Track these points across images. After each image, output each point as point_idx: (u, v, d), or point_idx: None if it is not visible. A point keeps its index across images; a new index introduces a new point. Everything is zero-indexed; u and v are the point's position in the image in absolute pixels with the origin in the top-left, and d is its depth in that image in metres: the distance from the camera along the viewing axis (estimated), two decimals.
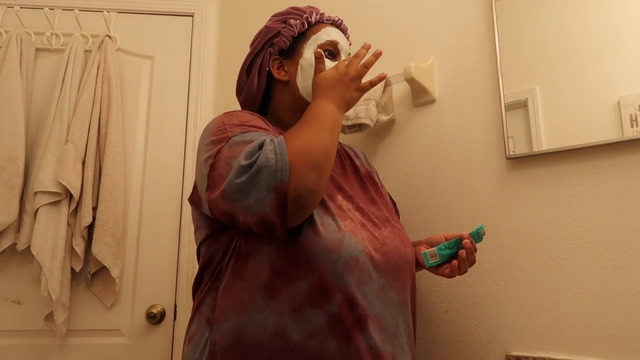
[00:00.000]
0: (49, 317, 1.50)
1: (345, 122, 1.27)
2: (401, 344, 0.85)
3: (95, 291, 1.59)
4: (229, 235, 0.85)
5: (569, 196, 0.98)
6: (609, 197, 0.93)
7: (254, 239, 0.81)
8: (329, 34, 0.99)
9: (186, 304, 1.62)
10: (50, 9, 1.73)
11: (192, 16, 1.86)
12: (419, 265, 0.98)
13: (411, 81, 1.20)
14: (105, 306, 1.59)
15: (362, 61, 0.90)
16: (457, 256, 0.91)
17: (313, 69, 0.95)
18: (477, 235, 0.91)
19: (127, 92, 1.75)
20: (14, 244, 1.55)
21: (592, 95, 0.96)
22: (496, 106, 1.11)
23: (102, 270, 1.57)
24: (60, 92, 1.62)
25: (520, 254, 1.03)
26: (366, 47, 0.93)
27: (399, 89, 1.29)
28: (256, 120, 0.90)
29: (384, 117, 1.26)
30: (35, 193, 1.52)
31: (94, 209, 1.57)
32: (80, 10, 1.72)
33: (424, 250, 0.94)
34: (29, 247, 1.50)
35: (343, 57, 1.01)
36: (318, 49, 0.95)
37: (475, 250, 0.93)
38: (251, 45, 1.04)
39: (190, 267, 1.65)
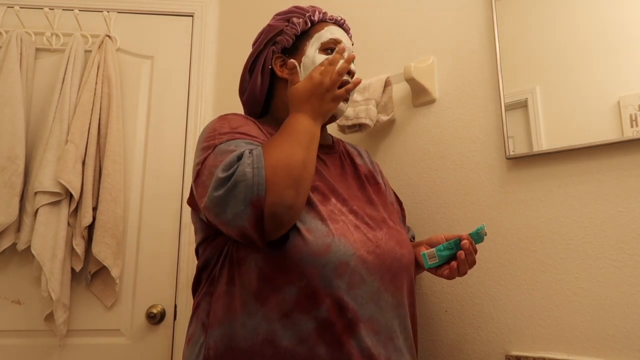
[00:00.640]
0: (49, 317, 1.50)
1: (345, 122, 1.27)
2: (398, 346, 0.84)
3: (96, 291, 1.59)
4: (222, 240, 0.86)
5: (569, 196, 0.98)
6: (609, 197, 0.93)
7: (243, 245, 0.82)
8: (332, 32, 0.99)
9: (186, 304, 1.62)
10: (50, 9, 1.73)
11: (192, 16, 1.86)
12: (420, 266, 0.96)
13: (411, 81, 1.20)
14: (105, 306, 1.59)
15: (337, 67, 0.88)
16: (456, 257, 0.90)
17: (315, 67, 0.94)
18: (478, 236, 0.90)
19: (127, 92, 1.75)
20: (14, 244, 1.55)
21: (592, 95, 0.96)
22: (496, 106, 1.11)
23: (102, 270, 1.57)
24: (60, 92, 1.63)
25: (520, 254, 1.03)
26: (340, 52, 0.90)
27: (399, 89, 1.29)
28: (248, 125, 0.90)
29: (384, 117, 1.26)
30: (36, 193, 1.52)
31: (94, 209, 1.57)
32: (80, 10, 1.72)
33: (424, 251, 0.93)
34: (29, 247, 1.50)
35: (345, 55, 1.00)
36: (292, 60, 0.90)
37: (476, 252, 0.92)
38: (253, 44, 1.04)
39: (190, 267, 1.65)
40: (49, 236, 1.50)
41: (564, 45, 1.01)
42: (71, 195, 1.54)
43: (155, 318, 1.60)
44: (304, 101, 0.86)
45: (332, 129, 1.33)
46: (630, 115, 0.90)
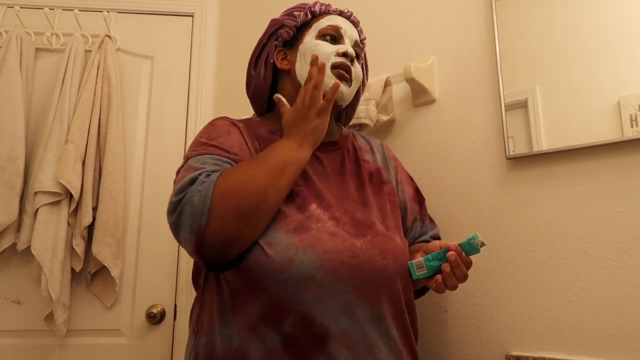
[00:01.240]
0: (49, 317, 1.50)
1: None
2: (380, 359, 0.80)
3: (95, 291, 1.59)
4: None
5: (569, 196, 0.98)
6: (609, 197, 0.93)
7: None
8: (331, 20, 0.98)
9: (186, 304, 1.62)
10: (50, 9, 1.73)
11: (192, 16, 1.86)
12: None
13: (411, 81, 1.20)
14: (105, 306, 1.59)
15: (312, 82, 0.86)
16: None
17: (318, 49, 0.94)
18: (470, 246, 0.81)
19: (127, 92, 1.75)
20: (14, 244, 1.55)
21: (592, 95, 0.96)
22: (496, 106, 1.11)
23: (102, 270, 1.57)
24: (60, 92, 1.63)
25: (520, 254, 1.03)
26: (313, 63, 0.88)
27: (399, 89, 1.29)
28: (229, 134, 0.89)
29: (384, 117, 1.26)
30: (35, 193, 1.52)
31: (94, 209, 1.57)
32: (80, 10, 1.72)
33: (412, 260, 0.87)
34: (29, 247, 1.50)
35: (347, 42, 0.98)
36: (276, 95, 0.94)
37: (469, 263, 0.85)
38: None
39: (190, 267, 1.64)
40: (49, 236, 1.50)
41: (564, 45, 1.01)
42: (71, 195, 1.54)
43: (155, 318, 1.60)
44: (292, 126, 0.87)
45: None
46: (630, 115, 0.90)
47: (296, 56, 0.97)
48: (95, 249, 1.52)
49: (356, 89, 1.00)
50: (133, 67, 1.78)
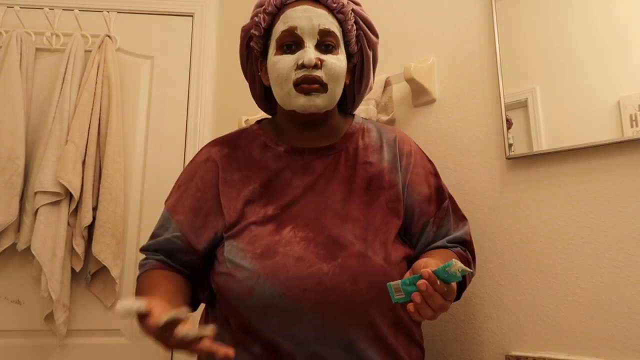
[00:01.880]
0: (49, 317, 1.50)
1: None
2: None
3: (95, 291, 1.59)
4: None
5: (569, 196, 0.98)
6: (609, 197, 0.93)
7: (211, 273, 0.90)
8: (285, 20, 0.86)
9: None
10: (50, 9, 1.73)
11: (192, 16, 1.86)
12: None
13: (411, 81, 1.20)
14: (105, 306, 1.59)
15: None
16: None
17: (276, 69, 0.87)
18: (447, 274, 0.69)
19: (127, 92, 1.75)
20: (14, 244, 1.55)
21: (592, 95, 0.96)
22: (496, 106, 1.11)
23: (102, 270, 1.57)
24: (60, 92, 1.63)
25: (520, 254, 1.03)
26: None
27: (399, 89, 1.29)
28: (194, 179, 0.94)
29: (384, 117, 1.26)
30: (36, 193, 1.53)
31: (94, 209, 1.57)
32: (80, 10, 1.73)
33: (390, 282, 0.74)
34: (29, 247, 1.50)
35: (308, 43, 0.85)
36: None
37: (448, 292, 0.70)
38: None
39: None
40: (49, 236, 1.50)
41: (564, 46, 1.01)
42: (71, 195, 1.54)
43: None
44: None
45: None
46: (630, 115, 0.90)
47: (267, 73, 0.92)
48: (95, 248, 1.53)
49: (337, 86, 0.88)
50: (133, 67, 1.79)
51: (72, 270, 1.55)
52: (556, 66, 1.02)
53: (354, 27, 0.92)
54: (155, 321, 0.65)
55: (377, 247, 0.83)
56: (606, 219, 0.92)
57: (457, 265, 0.68)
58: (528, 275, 1.01)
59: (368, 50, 0.94)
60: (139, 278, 0.92)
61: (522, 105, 1.05)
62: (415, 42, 1.30)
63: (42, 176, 1.52)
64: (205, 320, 0.92)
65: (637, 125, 0.89)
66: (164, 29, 1.83)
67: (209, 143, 1.00)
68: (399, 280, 0.72)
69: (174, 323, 0.63)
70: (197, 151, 1.69)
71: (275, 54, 0.88)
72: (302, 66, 0.84)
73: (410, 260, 0.90)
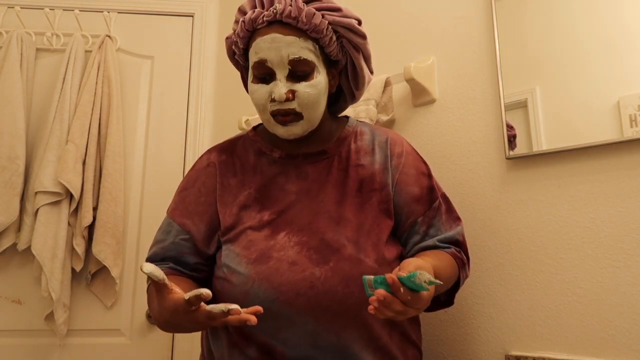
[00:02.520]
0: (50, 316, 1.51)
1: None
2: None
3: (96, 291, 1.59)
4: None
5: (569, 196, 0.98)
6: (609, 197, 0.93)
7: (213, 275, 0.92)
8: (256, 50, 0.85)
9: None
10: (50, 9, 1.73)
11: (192, 16, 1.86)
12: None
13: (411, 81, 1.20)
14: (105, 306, 1.59)
15: None
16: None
17: (253, 98, 0.88)
18: (412, 283, 0.67)
19: (127, 92, 1.75)
20: (15, 244, 1.55)
21: (592, 95, 0.96)
22: (496, 106, 1.11)
23: (103, 270, 1.57)
24: (60, 92, 1.63)
25: (520, 254, 1.03)
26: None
27: (399, 89, 1.29)
28: (197, 184, 0.95)
29: (384, 117, 1.26)
30: (36, 193, 1.53)
31: (94, 209, 1.57)
32: (80, 11, 1.73)
33: (366, 276, 0.73)
34: (29, 247, 1.50)
35: (278, 74, 0.84)
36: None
37: (413, 301, 0.67)
38: None
39: None
40: (49, 236, 1.50)
41: (563, 46, 1.01)
42: (71, 195, 1.54)
43: None
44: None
45: None
46: (630, 116, 0.90)
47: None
48: (96, 248, 1.53)
49: (314, 110, 0.88)
50: (133, 67, 1.79)
51: (73, 270, 1.55)
52: (556, 66, 1.02)
53: (334, 39, 0.88)
54: (180, 295, 0.69)
55: (369, 249, 0.84)
56: (606, 219, 0.92)
57: (424, 276, 0.66)
58: (528, 275, 1.01)
59: (355, 52, 0.92)
60: (149, 288, 0.91)
61: (522, 105, 1.05)
62: (415, 42, 1.30)
63: (42, 176, 1.52)
64: None
65: (636, 125, 0.89)
66: (164, 29, 1.83)
67: (207, 150, 1.02)
68: (373, 277, 0.71)
69: (198, 299, 0.66)
70: (197, 151, 1.73)
71: (252, 81, 0.88)
72: (274, 100, 0.85)
73: (402, 260, 0.89)
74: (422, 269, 0.69)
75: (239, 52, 0.92)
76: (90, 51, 1.71)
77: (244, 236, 0.87)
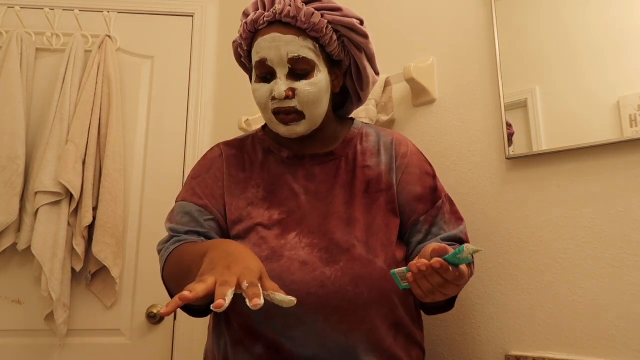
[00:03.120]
0: (50, 316, 1.51)
1: None
2: None
3: (96, 291, 1.59)
4: None
5: (569, 196, 0.98)
6: (609, 197, 0.93)
7: None
8: (257, 50, 0.87)
9: None
10: (50, 9, 1.73)
11: (192, 16, 1.86)
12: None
13: (411, 81, 1.20)
14: (105, 306, 1.59)
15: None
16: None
17: (255, 97, 0.90)
18: (458, 260, 0.69)
19: (127, 92, 1.75)
20: (15, 244, 1.55)
21: (592, 95, 0.96)
22: (496, 106, 1.11)
23: (103, 270, 1.57)
24: (60, 92, 1.63)
25: (520, 254, 1.03)
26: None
27: (399, 89, 1.29)
28: (207, 174, 0.94)
29: (383, 117, 1.26)
30: (36, 193, 1.53)
31: (94, 209, 1.57)
32: (80, 11, 1.73)
33: (394, 269, 0.76)
34: (29, 247, 1.50)
35: (279, 74, 0.86)
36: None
37: (460, 278, 0.70)
38: None
39: None
40: (49, 236, 1.50)
41: (563, 45, 1.01)
42: (71, 195, 1.54)
43: (155, 318, 1.60)
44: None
45: None
46: (630, 116, 0.90)
47: None
48: (96, 248, 1.53)
49: (316, 109, 0.89)
50: (133, 67, 1.79)
51: (73, 270, 1.55)
52: (556, 66, 1.02)
53: (334, 39, 0.89)
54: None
55: (378, 249, 0.85)
56: (606, 219, 0.92)
57: (470, 248, 0.67)
58: (528, 275, 1.01)
59: (358, 52, 0.93)
60: (172, 252, 0.85)
61: (522, 105, 1.05)
62: (415, 42, 1.30)
63: (42, 176, 1.52)
64: (214, 319, 0.93)
65: (636, 125, 0.89)
66: (164, 29, 1.83)
67: (217, 144, 1.02)
68: (404, 268, 0.72)
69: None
70: (197, 151, 1.73)
71: (255, 81, 0.90)
72: (275, 98, 0.86)
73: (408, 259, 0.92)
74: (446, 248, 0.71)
75: (243, 54, 0.94)
76: (90, 51, 1.71)
77: (254, 233, 0.87)
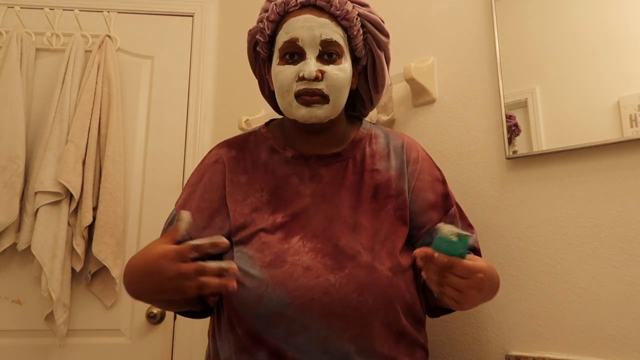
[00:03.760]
0: (49, 317, 1.51)
1: None
2: None
3: (96, 291, 1.59)
4: None
5: (569, 196, 0.98)
6: (609, 197, 0.93)
7: None
8: (287, 30, 0.86)
9: None
10: (50, 9, 1.73)
11: (192, 16, 1.86)
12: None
13: (411, 81, 1.20)
14: (105, 306, 1.59)
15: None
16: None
17: (278, 79, 0.88)
18: (445, 242, 0.64)
19: (127, 92, 1.75)
20: (15, 244, 1.55)
21: (592, 95, 0.96)
22: (496, 106, 1.11)
23: (102, 270, 1.57)
24: (60, 92, 1.63)
25: (520, 254, 1.03)
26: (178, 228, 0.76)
27: (399, 89, 1.29)
28: (206, 175, 0.93)
29: (384, 117, 1.26)
30: (36, 193, 1.53)
31: (94, 209, 1.57)
32: (80, 11, 1.73)
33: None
34: (29, 247, 1.50)
35: (309, 54, 0.85)
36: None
37: (461, 269, 0.67)
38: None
39: None
40: (49, 236, 1.50)
41: (564, 45, 1.01)
42: (71, 195, 1.54)
43: (155, 318, 1.60)
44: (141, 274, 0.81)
45: None
46: (630, 116, 0.90)
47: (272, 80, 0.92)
48: (96, 248, 1.53)
49: (340, 96, 0.88)
50: (133, 67, 1.79)
51: (72, 270, 1.55)
52: (556, 66, 1.02)
53: (360, 32, 0.90)
54: (179, 244, 0.71)
55: (384, 257, 0.84)
56: (606, 219, 0.92)
57: (446, 228, 0.62)
58: (528, 275, 1.01)
59: (379, 51, 0.93)
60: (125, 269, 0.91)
61: (522, 105, 1.05)
62: (415, 42, 1.30)
63: (42, 176, 1.52)
64: (214, 324, 0.91)
65: (637, 125, 0.89)
66: (164, 29, 1.83)
67: (218, 144, 1.00)
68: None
69: (213, 246, 0.69)
70: (197, 151, 1.73)
71: (278, 64, 0.88)
72: (302, 78, 0.84)
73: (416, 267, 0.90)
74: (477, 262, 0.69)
75: (264, 39, 0.91)
76: (90, 51, 1.71)
77: (257, 238, 0.85)
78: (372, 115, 1.24)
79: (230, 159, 0.94)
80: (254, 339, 0.81)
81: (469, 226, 0.96)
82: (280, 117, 1.01)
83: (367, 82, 0.97)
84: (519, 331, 1.01)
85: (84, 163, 1.58)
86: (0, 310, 1.56)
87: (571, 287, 0.95)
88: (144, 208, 1.70)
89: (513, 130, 1.06)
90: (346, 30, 0.89)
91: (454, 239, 0.63)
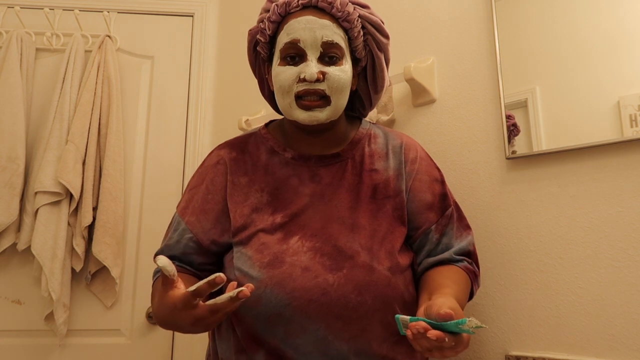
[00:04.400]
0: (49, 317, 1.51)
1: None
2: None
3: (96, 291, 1.59)
4: None
5: (569, 196, 0.98)
6: (609, 197, 0.93)
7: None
8: (288, 31, 0.86)
9: None
10: (50, 9, 1.73)
11: (192, 16, 1.86)
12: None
13: (411, 81, 1.20)
14: (105, 306, 1.59)
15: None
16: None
17: (278, 80, 0.87)
18: (459, 329, 0.64)
19: (127, 92, 1.75)
20: (15, 244, 1.55)
21: (592, 95, 0.96)
22: (496, 106, 1.11)
23: (103, 270, 1.57)
24: (60, 92, 1.63)
25: (520, 254, 1.03)
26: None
27: (399, 89, 1.29)
28: (201, 186, 0.93)
29: (384, 117, 1.26)
30: (36, 193, 1.53)
31: (94, 209, 1.57)
32: (80, 11, 1.73)
33: (399, 315, 0.72)
34: (29, 247, 1.50)
35: (310, 56, 0.85)
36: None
37: (458, 345, 0.66)
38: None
39: None
40: (49, 236, 1.50)
41: (564, 45, 1.01)
42: (71, 195, 1.54)
43: None
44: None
45: None
46: (630, 115, 0.90)
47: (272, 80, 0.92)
48: (96, 248, 1.53)
49: (341, 97, 0.88)
50: (133, 67, 1.79)
51: (72, 270, 1.55)
52: (556, 66, 1.02)
53: (361, 34, 0.91)
54: (181, 291, 0.69)
55: (382, 257, 0.84)
56: (606, 219, 0.92)
57: (472, 322, 0.63)
58: (528, 275, 1.01)
59: (378, 52, 0.94)
60: (154, 283, 0.91)
61: (522, 105, 1.05)
62: (415, 42, 1.30)
63: (42, 176, 1.52)
64: (218, 326, 0.91)
65: (637, 125, 0.89)
66: (164, 29, 1.83)
67: (218, 146, 1.00)
68: (408, 317, 0.69)
69: (210, 285, 0.66)
70: (197, 151, 1.74)
71: (278, 64, 0.88)
72: (303, 80, 0.84)
73: (413, 267, 0.91)
74: (454, 310, 0.67)
75: (264, 39, 0.91)
76: (90, 51, 1.71)
77: (256, 239, 0.85)
78: (372, 115, 1.24)
79: (232, 161, 0.94)
80: (253, 339, 0.81)
81: (466, 227, 0.96)
82: (280, 117, 1.01)
83: (367, 83, 0.97)
84: (519, 331, 1.01)
85: (84, 163, 1.58)
86: (0, 310, 1.56)
87: (571, 287, 0.95)
88: (144, 208, 1.70)
89: (512, 130, 1.06)
90: (347, 31, 0.89)
91: (472, 331, 0.64)
